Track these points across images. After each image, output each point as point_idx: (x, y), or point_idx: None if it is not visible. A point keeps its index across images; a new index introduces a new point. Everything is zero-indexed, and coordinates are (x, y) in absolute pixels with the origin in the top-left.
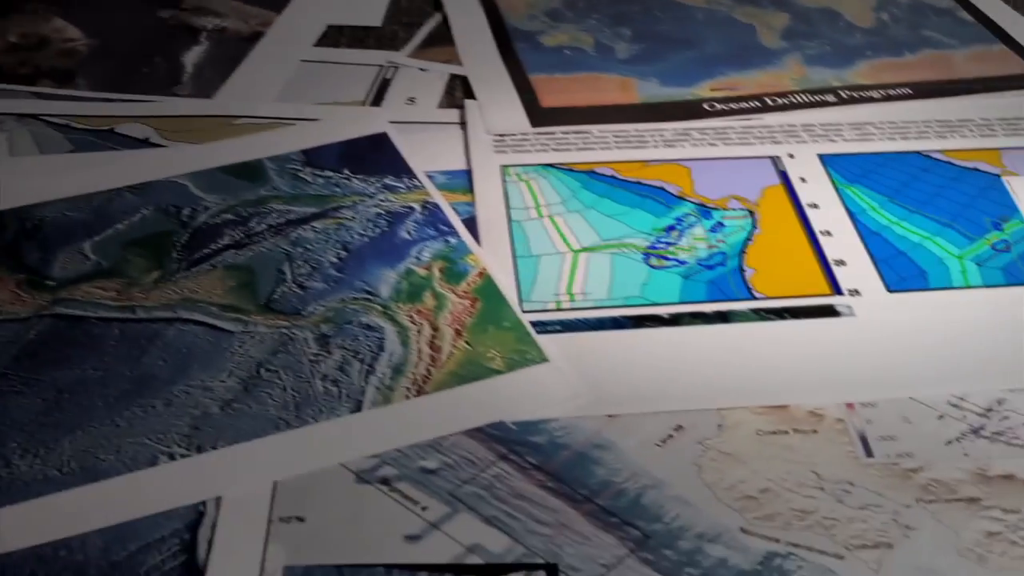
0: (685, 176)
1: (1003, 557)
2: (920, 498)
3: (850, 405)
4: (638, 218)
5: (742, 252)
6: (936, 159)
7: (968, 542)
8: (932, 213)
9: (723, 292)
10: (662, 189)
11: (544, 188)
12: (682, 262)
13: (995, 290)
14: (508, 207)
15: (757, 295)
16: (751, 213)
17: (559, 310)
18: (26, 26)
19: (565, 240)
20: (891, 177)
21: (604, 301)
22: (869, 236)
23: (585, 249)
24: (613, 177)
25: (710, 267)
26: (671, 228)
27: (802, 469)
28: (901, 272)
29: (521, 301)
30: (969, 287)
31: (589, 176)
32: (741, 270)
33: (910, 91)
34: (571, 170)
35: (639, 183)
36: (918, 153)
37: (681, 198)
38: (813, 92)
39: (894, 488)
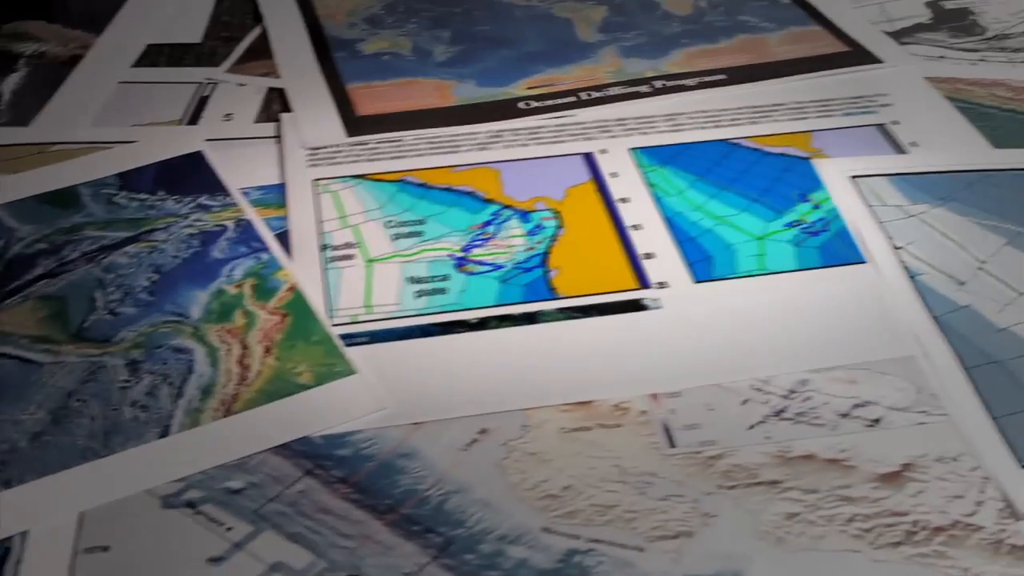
0: (495, 179)
1: (801, 537)
2: (721, 485)
3: (655, 396)
4: (449, 221)
5: (547, 253)
6: (745, 147)
7: (767, 525)
8: (740, 189)
9: (537, 294)
10: (470, 194)
11: (353, 200)
12: (499, 266)
13: (802, 273)
14: (319, 220)
15: (560, 295)
16: (557, 213)
17: (369, 321)
18: None
19: (368, 251)
20: (698, 163)
21: (421, 309)
22: (674, 224)
23: (392, 257)
24: (422, 186)
25: (528, 270)
26: (487, 223)
27: (605, 464)
28: (693, 256)
29: (330, 314)
30: (772, 272)
31: (399, 186)
32: (546, 271)
33: (723, 77)
34: (381, 180)
35: (448, 189)
36: (725, 141)
37: (488, 202)
38: (627, 84)
39: (695, 476)
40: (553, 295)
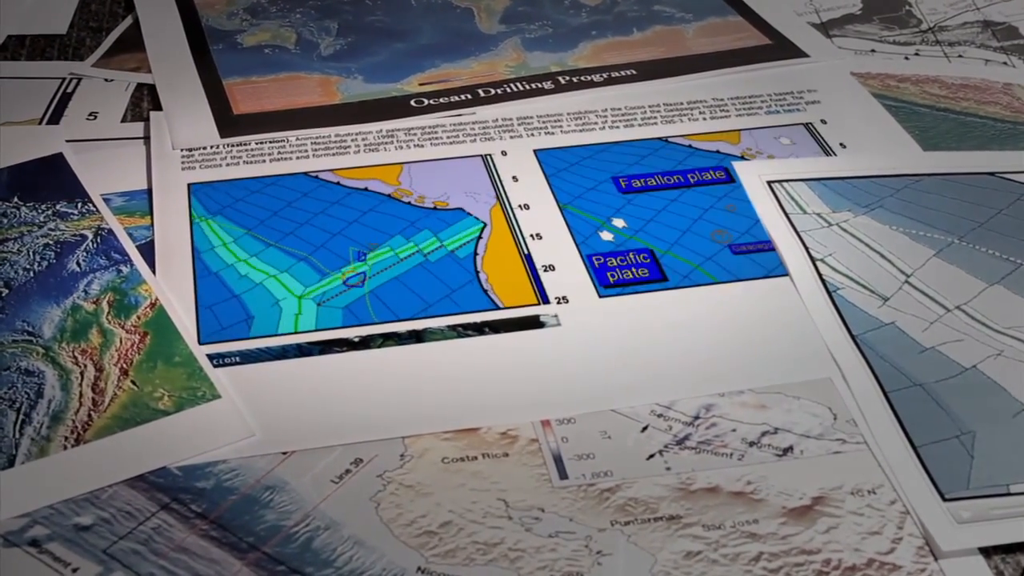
0: (393, 180)
1: None
2: (616, 520)
3: (546, 423)
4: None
5: (474, 256)
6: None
7: (665, 564)
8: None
9: (356, 317)
10: (371, 191)
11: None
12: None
13: (715, 287)
14: (194, 229)
15: (499, 304)
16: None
17: (246, 339)
18: None
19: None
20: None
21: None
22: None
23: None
24: (317, 178)
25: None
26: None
27: (489, 498)
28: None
29: (201, 332)
30: (683, 287)
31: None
32: (476, 273)
33: (634, 72)
34: (262, 179)
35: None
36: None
37: (394, 199)
38: (529, 80)
39: (588, 512)
40: (492, 304)
